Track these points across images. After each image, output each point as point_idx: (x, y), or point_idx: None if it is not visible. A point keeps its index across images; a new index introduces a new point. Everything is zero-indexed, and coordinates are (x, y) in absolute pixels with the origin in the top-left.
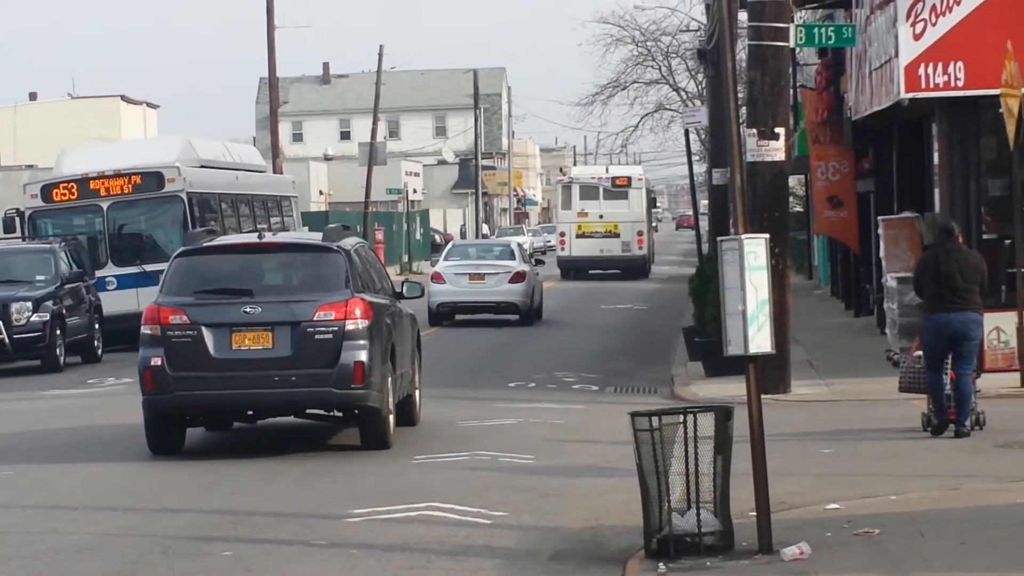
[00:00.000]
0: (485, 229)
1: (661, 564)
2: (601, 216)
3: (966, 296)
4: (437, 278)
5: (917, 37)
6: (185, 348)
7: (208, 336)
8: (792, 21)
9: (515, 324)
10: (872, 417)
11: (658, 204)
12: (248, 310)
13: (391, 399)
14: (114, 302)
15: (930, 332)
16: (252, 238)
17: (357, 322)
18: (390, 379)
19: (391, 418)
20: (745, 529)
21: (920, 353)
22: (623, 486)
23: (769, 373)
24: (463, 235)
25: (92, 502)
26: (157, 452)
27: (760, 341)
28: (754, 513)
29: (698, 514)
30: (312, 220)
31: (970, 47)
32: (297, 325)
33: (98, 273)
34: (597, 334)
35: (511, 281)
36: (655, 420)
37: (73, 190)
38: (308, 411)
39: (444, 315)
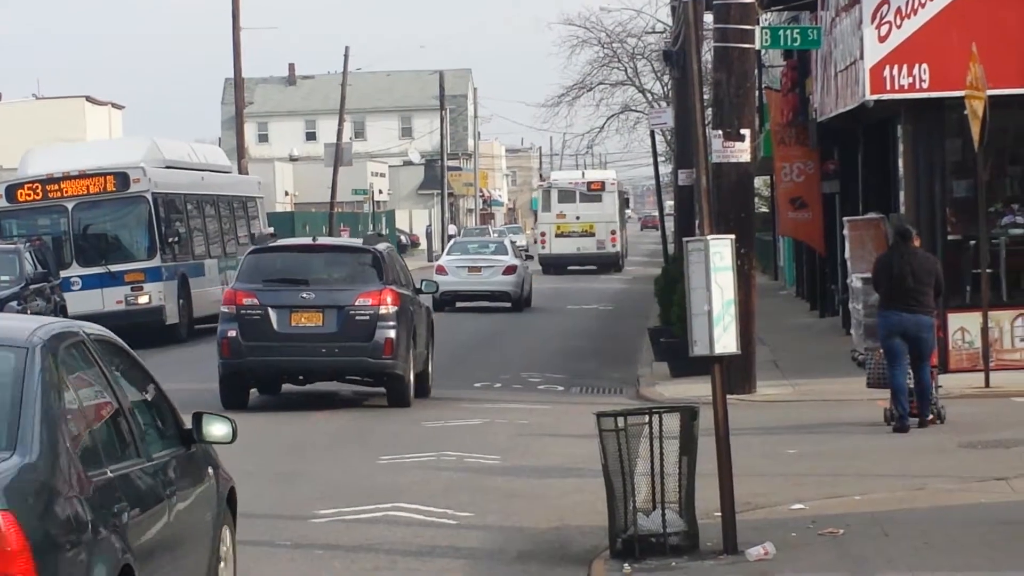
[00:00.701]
0: (452, 229)
1: (626, 564)
2: (578, 217)
3: (919, 298)
4: (440, 270)
5: (882, 39)
6: (255, 324)
7: (273, 315)
8: (757, 23)
9: (508, 311)
10: (837, 417)
11: (630, 206)
12: (304, 296)
13: (411, 369)
14: (79, 302)
15: (883, 328)
16: (308, 240)
17: (388, 308)
18: (412, 354)
19: (412, 385)
20: (710, 529)
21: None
22: (588, 486)
23: (735, 373)
24: (429, 236)
25: None
26: (228, 407)
27: (726, 341)
28: (719, 513)
29: (663, 514)
30: (277, 221)
31: (935, 49)
32: (342, 309)
33: (63, 273)
34: (563, 334)
35: (504, 273)
36: (621, 420)
37: (38, 190)
38: (347, 376)
39: (447, 303)
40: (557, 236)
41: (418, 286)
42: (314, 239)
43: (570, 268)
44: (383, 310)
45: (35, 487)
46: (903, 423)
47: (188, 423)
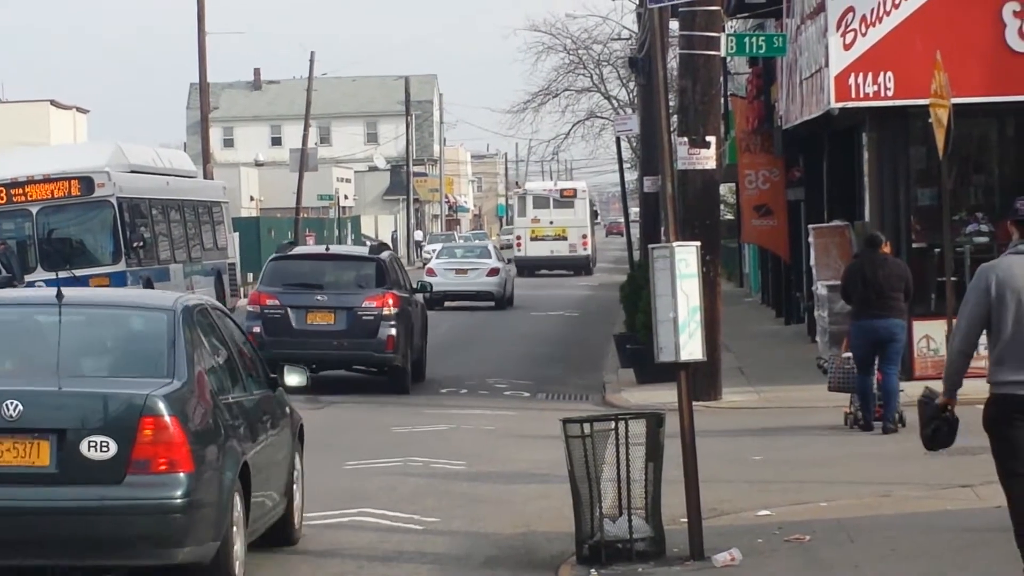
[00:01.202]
0: (419, 235)
1: (593, 570)
2: (551, 222)
3: (890, 304)
4: (430, 272)
5: (847, 47)
6: (276, 321)
7: (291, 314)
8: (723, 30)
9: (492, 309)
10: (803, 424)
11: (598, 217)
12: (319, 298)
13: (409, 360)
14: None
15: (856, 337)
16: (321, 250)
17: (390, 309)
18: (410, 347)
19: (410, 373)
20: (676, 535)
21: (849, 355)
22: (555, 492)
23: (700, 380)
24: (394, 242)
25: None
26: None
27: (691, 348)
28: (685, 520)
29: (630, 520)
30: (243, 226)
31: (900, 57)
32: (351, 310)
33: (28, 278)
34: (529, 340)
35: (488, 275)
36: (587, 427)
37: (2, 195)
38: (354, 367)
39: (436, 302)
40: (532, 240)
41: (415, 287)
42: (327, 249)
43: (543, 271)
44: (385, 311)
45: (186, 402)
46: (868, 424)
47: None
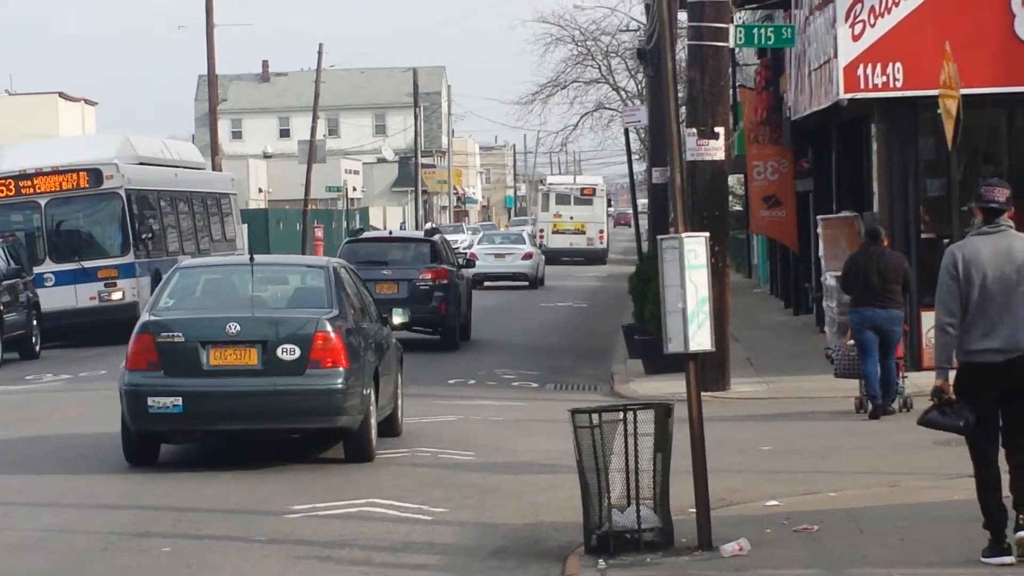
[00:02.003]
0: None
1: (601, 560)
2: (572, 217)
3: (888, 295)
4: (472, 257)
5: (856, 38)
6: None
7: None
8: (732, 21)
9: (524, 289)
10: (811, 414)
11: (611, 206)
12: (384, 272)
13: (458, 322)
14: (52, 298)
15: (855, 324)
16: (385, 234)
17: (441, 280)
18: (458, 311)
19: (457, 333)
20: (685, 525)
21: (853, 342)
22: (563, 483)
23: (709, 371)
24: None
25: (29, 498)
26: None
27: (700, 339)
28: (694, 510)
29: (638, 511)
30: (251, 218)
31: (909, 48)
32: (410, 281)
33: (36, 269)
34: (537, 331)
35: (523, 259)
36: (595, 417)
37: (11, 186)
38: (414, 327)
39: (477, 283)
40: (554, 233)
41: (461, 263)
42: (390, 233)
43: (563, 260)
44: (438, 282)
45: (341, 324)
46: (876, 407)
47: None
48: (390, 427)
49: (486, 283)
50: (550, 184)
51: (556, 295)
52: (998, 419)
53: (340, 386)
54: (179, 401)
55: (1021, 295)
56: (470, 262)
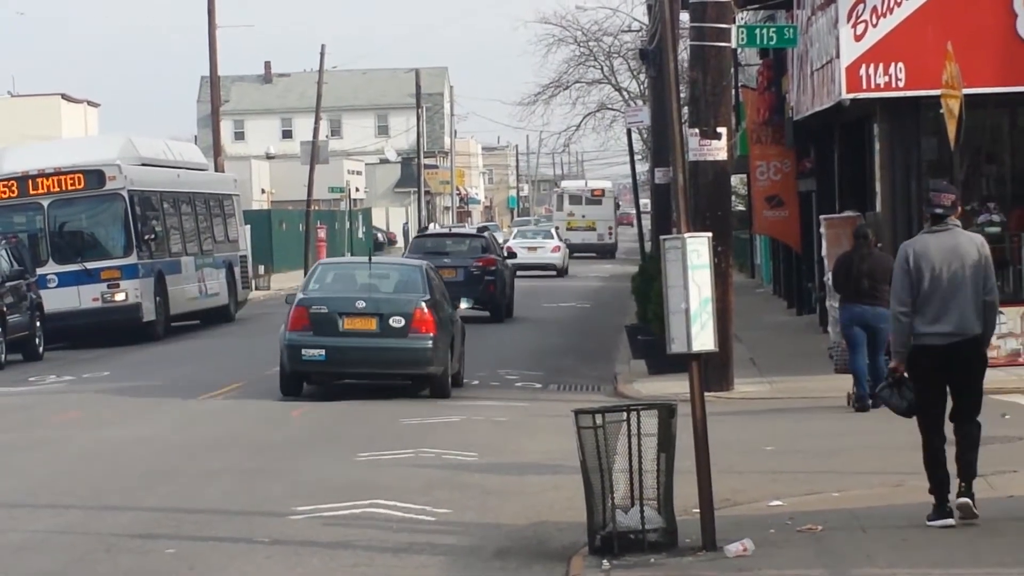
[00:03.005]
0: (435, 229)
1: (605, 561)
2: (584, 216)
3: (877, 293)
4: (509, 250)
5: (858, 38)
6: None
7: None
8: (734, 22)
9: (553, 278)
10: (814, 414)
11: (619, 208)
12: (446, 260)
13: (503, 301)
14: (56, 300)
15: (844, 320)
16: (446, 229)
17: (492, 267)
18: (503, 292)
19: (503, 310)
20: (689, 526)
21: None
22: (566, 483)
23: (712, 371)
24: (406, 233)
25: (32, 500)
26: None
27: (703, 339)
28: (698, 510)
29: (642, 511)
30: (254, 218)
31: (911, 48)
32: (466, 268)
33: (39, 271)
34: (539, 332)
35: (552, 251)
36: (599, 418)
37: (13, 188)
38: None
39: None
40: (568, 230)
41: (505, 255)
42: (450, 229)
43: (576, 255)
44: (488, 269)
45: (432, 304)
46: (864, 403)
47: None
48: (456, 380)
49: (519, 272)
50: (564, 186)
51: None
52: (945, 398)
53: (430, 346)
54: (323, 352)
55: (967, 286)
56: (512, 254)
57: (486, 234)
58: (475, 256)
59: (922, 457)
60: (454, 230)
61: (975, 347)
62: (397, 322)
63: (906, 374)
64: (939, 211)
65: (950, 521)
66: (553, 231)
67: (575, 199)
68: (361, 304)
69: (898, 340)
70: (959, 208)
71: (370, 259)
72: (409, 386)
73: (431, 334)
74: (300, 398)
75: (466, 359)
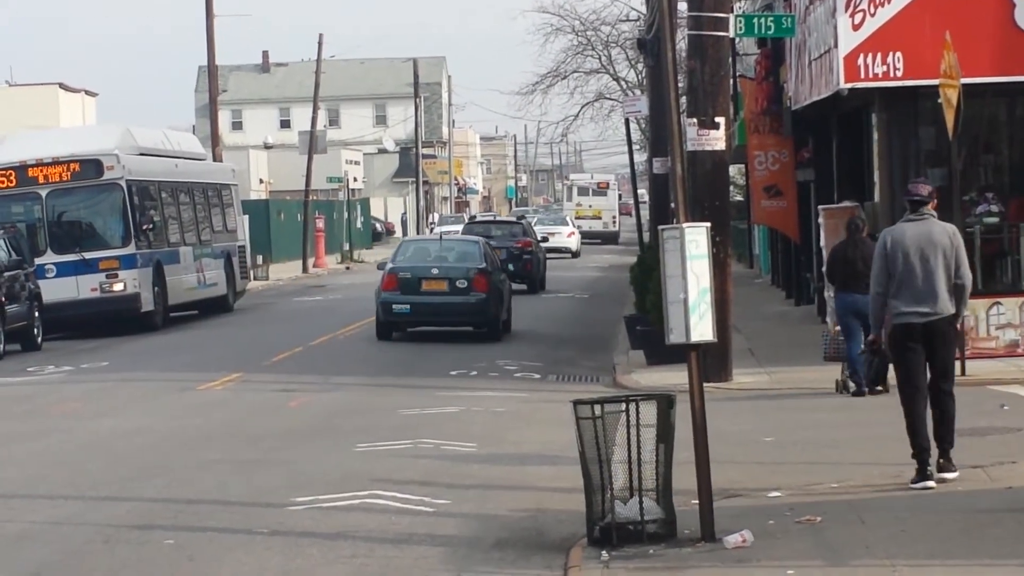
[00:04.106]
0: (435, 218)
1: (604, 552)
2: (590, 206)
3: (868, 282)
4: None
5: (856, 27)
6: None
7: None
8: (732, 11)
9: (569, 259)
10: (813, 405)
11: (621, 199)
12: (492, 242)
13: (537, 276)
14: (54, 290)
15: (839, 308)
16: (492, 216)
17: (529, 248)
18: (537, 269)
19: (537, 283)
20: (688, 517)
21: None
22: (565, 474)
23: (710, 361)
24: (404, 223)
25: (29, 491)
26: None
27: (702, 329)
28: (696, 501)
29: (640, 502)
30: (252, 208)
31: (909, 37)
32: (509, 248)
33: (37, 261)
34: (538, 322)
35: (567, 236)
36: (597, 408)
37: (11, 177)
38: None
39: None
40: (576, 219)
41: (538, 239)
42: (494, 217)
43: (584, 241)
44: (526, 249)
45: (487, 270)
46: (861, 390)
47: None
48: (506, 326)
49: None
50: (573, 179)
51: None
52: (924, 373)
53: (487, 301)
54: (408, 307)
55: (940, 270)
56: (544, 238)
57: (524, 221)
58: (516, 239)
59: (905, 425)
60: (498, 218)
61: (948, 325)
62: (462, 284)
63: (883, 346)
64: (917, 199)
65: (930, 484)
66: (569, 219)
67: (583, 191)
68: (435, 271)
69: (875, 316)
70: (935, 199)
71: (440, 237)
72: (471, 332)
73: (486, 293)
74: (298, 392)
75: (464, 351)
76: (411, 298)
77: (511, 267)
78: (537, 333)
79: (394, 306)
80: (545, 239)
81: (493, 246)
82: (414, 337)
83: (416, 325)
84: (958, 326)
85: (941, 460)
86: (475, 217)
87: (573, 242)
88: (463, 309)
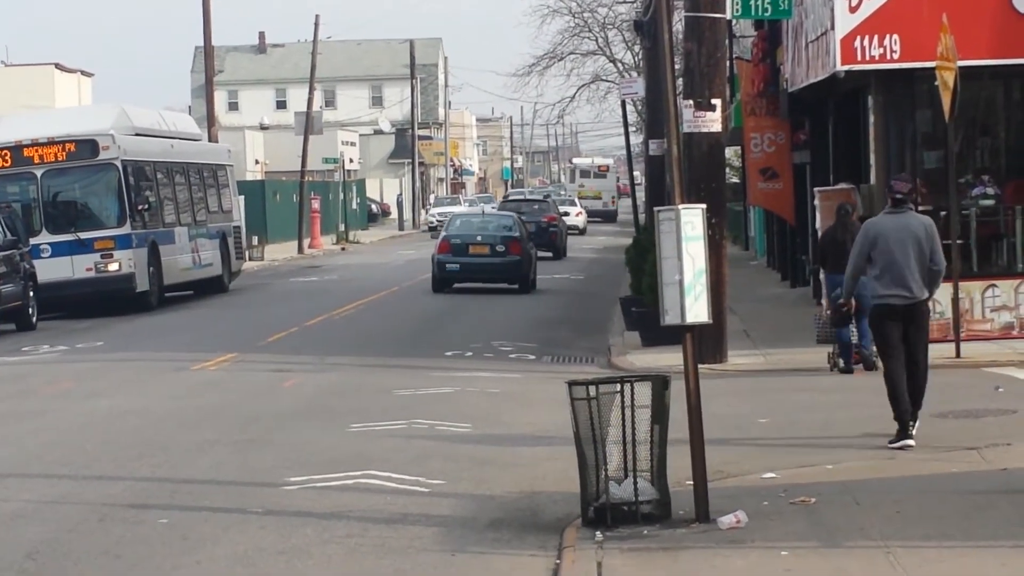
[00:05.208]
0: (432, 199)
1: (598, 532)
2: (592, 188)
3: None
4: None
5: (853, 9)
6: None
7: None
8: None
9: (577, 235)
10: (808, 386)
11: (619, 181)
12: (523, 216)
13: (561, 246)
14: (49, 270)
15: (829, 289)
16: (522, 195)
17: (554, 222)
18: (562, 240)
19: (560, 252)
20: (682, 498)
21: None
22: (560, 455)
23: (706, 343)
24: (399, 205)
25: (24, 470)
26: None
27: (697, 311)
28: (691, 482)
29: (635, 483)
30: (248, 189)
31: (906, 20)
32: (537, 222)
33: (33, 241)
34: (534, 304)
35: (575, 216)
36: (592, 389)
37: (7, 158)
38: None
39: None
40: (579, 199)
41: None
42: (525, 195)
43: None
44: (552, 223)
45: (521, 237)
46: (848, 367)
47: None
48: (533, 284)
49: None
50: (576, 163)
51: (557, 267)
52: (902, 347)
53: (523, 262)
54: (458, 266)
55: (916, 258)
56: (565, 213)
57: (550, 199)
58: (543, 214)
59: (887, 392)
60: (528, 196)
61: (925, 306)
62: (500, 248)
63: (848, 312)
64: (899, 196)
65: (910, 442)
66: (576, 200)
67: (584, 173)
68: (479, 238)
69: (847, 288)
70: (915, 194)
71: (483, 212)
72: (506, 287)
73: (520, 256)
74: (293, 372)
75: (460, 332)
76: (460, 259)
77: (539, 239)
78: (557, 290)
79: (447, 265)
80: (565, 214)
81: (524, 220)
82: (411, 317)
83: (463, 281)
84: (929, 305)
85: (912, 423)
86: (508, 195)
87: (581, 220)
88: (501, 268)
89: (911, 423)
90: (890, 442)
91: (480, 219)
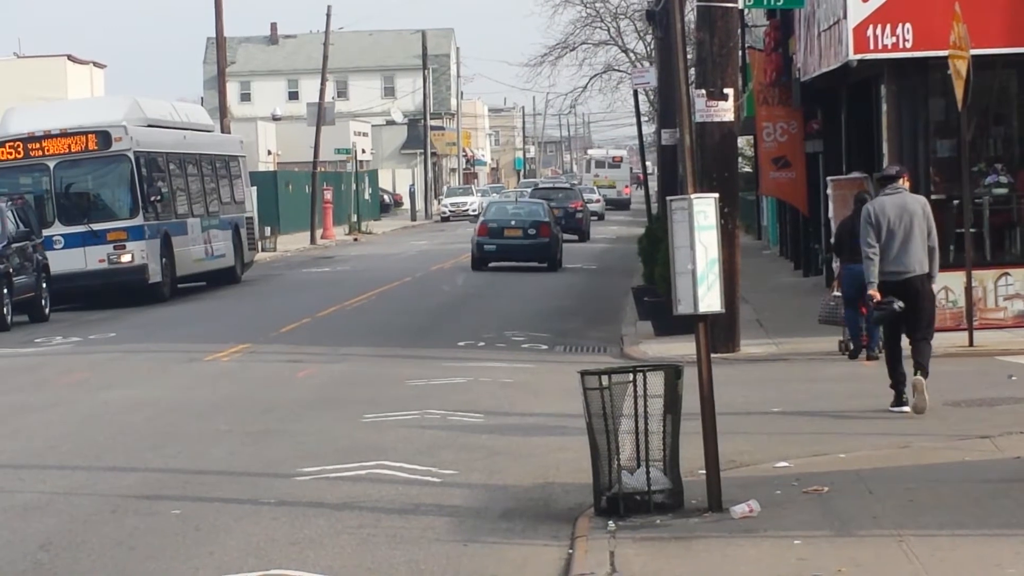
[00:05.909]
0: (445, 190)
1: (611, 522)
2: (607, 177)
3: None
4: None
5: None
6: None
7: None
8: None
9: (598, 221)
10: (821, 375)
11: (632, 169)
12: (552, 203)
13: (587, 230)
14: (62, 261)
15: (847, 279)
16: (551, 184)
17: (580, 208)
18: (587, 224)
19: (586, 234)
20: (695, 487)
21: (838, 293)
22: (572, 444)
23: (718, 332)
24: (412, 195)
25: (38, 461)
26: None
27: (710, 300)
28: (704, 471)
29: (648, 472)
30: (260, 180)
31: (918, 9)
32: (565, 208)
33: (45, 232)
34: (546, 294)
35: (595, 203)
36: (605, 379)
37: (20, 149)
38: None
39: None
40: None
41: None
42: (553, 184)
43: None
44: (578, 208)
45: (550, 222)
46: (855, 352)
47: None
48: (560, 263)
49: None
50: (591, 154)
51: (569, 257)
52: (901, 318)
53: (551, 244)
54: (495, 247)
55: (915, 235)
56: (590, 200)
57: (576, 187)
58: (570, 200)
59: (885, 361)
60: (556, 184)
61: (923, 282)
62: (532, 231)
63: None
64: (886, 175)
65: (906, 409)
66: (596, 188)
67: (600, 164)
68: (513, 222)
69: (870, 273)
70: (905, 174)
71: (516, 199)
72: (536, 266)
73: (549, 238)
74: (306, 363)
75: (472, 322)
76: (496, 240)
77: (566, 222)
78: (583, 269)
79: (485, 246)
80: (589, 200)
81: (552, 206)
82: (424, 307)
83: (499, 260)
84: (932, 285)
85: (917, 373)
86: (538, 184)
87: (599, 207)
88: (532, 248)
89: (921, 377)
90: (891, 405)
91: (514, 206)
